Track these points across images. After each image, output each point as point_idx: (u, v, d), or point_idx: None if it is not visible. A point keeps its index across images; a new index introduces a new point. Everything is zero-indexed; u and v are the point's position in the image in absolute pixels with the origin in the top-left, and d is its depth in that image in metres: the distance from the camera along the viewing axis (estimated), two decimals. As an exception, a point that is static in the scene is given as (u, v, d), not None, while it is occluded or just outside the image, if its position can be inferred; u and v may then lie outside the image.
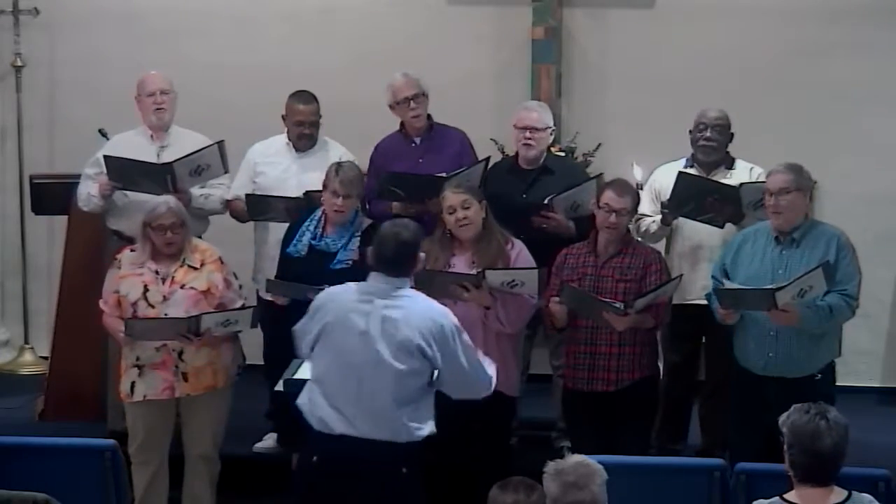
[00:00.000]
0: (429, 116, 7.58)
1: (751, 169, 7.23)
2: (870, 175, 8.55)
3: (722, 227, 7.00)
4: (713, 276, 6.60)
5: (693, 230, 7.14)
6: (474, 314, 6.53)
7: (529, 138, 7.27)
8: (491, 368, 5.77)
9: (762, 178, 7.13)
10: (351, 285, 5.68)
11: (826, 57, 8.57)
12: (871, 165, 8.56)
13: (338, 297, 5.62)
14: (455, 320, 5.61)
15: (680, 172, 7.09)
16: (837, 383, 6.57)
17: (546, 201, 7.08)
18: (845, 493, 4.77)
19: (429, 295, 6.50)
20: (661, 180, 7.20)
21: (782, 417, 4.81)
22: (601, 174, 7.35)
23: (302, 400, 5.61)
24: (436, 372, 5.52)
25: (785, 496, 4.76)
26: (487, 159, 7.31)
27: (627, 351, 6.58)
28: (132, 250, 6.72)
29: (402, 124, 7.59)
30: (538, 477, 4.78)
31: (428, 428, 5.56)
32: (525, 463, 6.11)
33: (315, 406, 5.54)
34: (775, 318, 6.27)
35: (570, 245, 6.79)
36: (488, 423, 6.59)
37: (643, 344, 6.62)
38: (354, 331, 5.49)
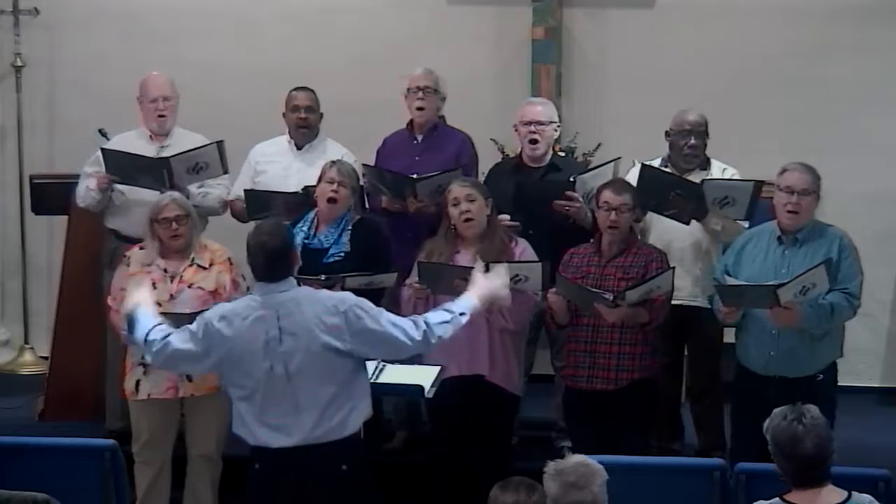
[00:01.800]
0: (442, 119, 7.59)
1: (723, 170, 7.22)
2: (869, 175, 8.55)
3: (688, 223, 6.99)
4: (715, 278, 6.60)
5: (663, 231, 7.13)
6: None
7: (535, 132, 7.26)
8: (431, 321, 5.51)
9: (735, 178, 7.15)
10: (239, 302, 5.55)
11: (826, 57, 8.57)
12: (871, 165, 8.56)
13: (232, 321, 5.45)
14: (355, 299, 5.46)
15: (643, 165, 7.09)
16: (838, 383, 6.57)
17: (571, 178, 7.07)
18: (845, 493, 4.78)
19: (433, 290, 6.53)
20: (634, 180, 7.18)
21: (765, 424, 4.83)
22: (619, 158, 7.33)
23: (236, 427, 5.54)
24: (360, 353, 5.43)
25: (784, 496, 4.78)
26: (460, 169, 7.28)
27: (627, 351, 6.58)
28: (141, 248, 6.72)
29: (410, 121, 7.59)
30: (538, 477, 4.78)
31: (363, 414, 5.48)
32: (525, 463, 6.12)
33: (248, 428, 5.48)
34: (776, 316, 6.26)
35: (576, 245, 6.80)
36: (490, 422, 6.60)
37: (643, 344, 6.62)
38: (258, 347, 5.39)
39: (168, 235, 6.61)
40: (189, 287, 6.59)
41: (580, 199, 7.05)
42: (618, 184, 6.74)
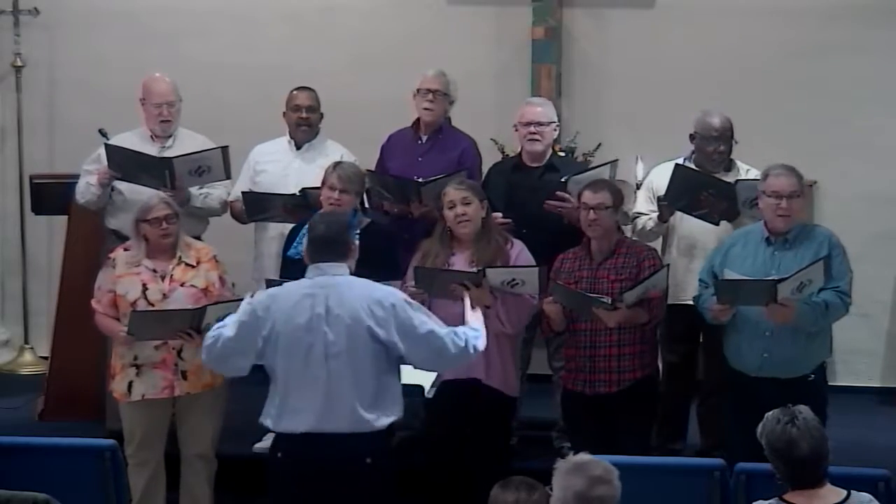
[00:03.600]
0: (448, 120, 7.59)
1: (747, 171, 7.22)
2: (870, 175, 8.55)
3: (717, 223, 7.00)
4: (701, 280, 6.60)
5: (689, 229, 7.14)
6: (474, 313, 6.55)
7: (535, 133, 7.26)
8: (469, 333, 5.62)
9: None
10: (289, 283, 5.63)
11: (826, 57, 8.57)
12: (871, 165, 8.56)
13: (279, 298, 5.54)
14: (403, 294, 5.55)
15: (677, 165, 7.09)
16: (838, 383, 6.59)
17: (563, 179, 7.07)
18: (844, 492, 4.79)
19: (429, 293, 6.53)
20: (658, 180, 7.19)
21: (759, 429, 4.83)
22: (616, 159, 7.34)
23: (265, 417, 5.56)
24: (398, 350, 5.46)
25: (784, 497, 4.78)
26: (464, 171, 7.28)
27: (627, 351, 6.58)
28: (126, 249, 6.71)
29: (416, 121, 7.59)
30: (538, 477, 4.77)
31: (393, 415, 5.51)
32: (525, 463, 6.12)
33: (275, 412, 5.50)
34: (772, 313, 6.26)
35: (570, 244, 6.80)
36: (488, 423, 6.59)
37: (643, 343, 6.62)
38: (302, 327, 5.44)
39: (158, 235, 6.59)
40: (181, 286, 6.58)
41: (572, 199, 7.03)
42: (596, 183, 6.75)
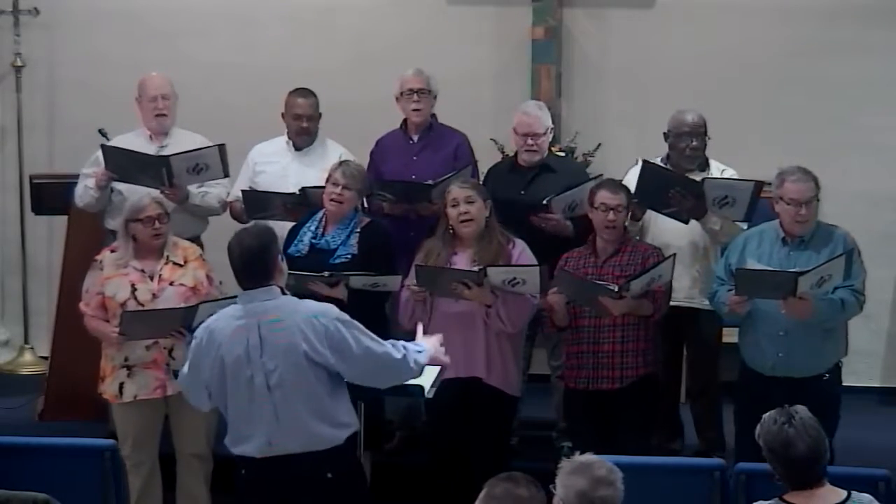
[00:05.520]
0: (434, 117, 7.59)
1: (722, 171, 7.22)
2: (870, 175, 8.55)
3: (686, 222, 6.98)
4: (718, 276, 6.59)
5: (661, 231, 7.12)
6: (475, 312, 6.54)
7: (532, 145, 7.26)
8: (409, 346, 5.49)
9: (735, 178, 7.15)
10: (223, 312, 5.45)
11: (826, 57, 8.57)
12: (871, 165, 8.56)
13: (216, 331, 5.38)
14: (337, 313, 5.35)
15: (644, 162, 7.07)
16: (841, 382, 6.57)
17: (545, 202, 7.08)
18: (844, 493, 4.79)
19: (430, 292, 6.53)
20: (634, 181, 7.18)
21: (756, 430, 4.83)
22: (601, 175, 7.34)
23: (228, 440, 5.47)
24: (336, 368, 5.33)
25: (784, 497, 4.78)
26: (469, 167, 7.27)
27: (631, 348, 6.59)
28: (112, 251, 6.69)
29: (403, 122, 7.60)
30: (538, 477, 4.75)
31: (350, 427, 5.40)
32: (525, 463, 6.11)
33: (232, 440, 5.42)
34: (790, 307, 6.24)
35: (570, 249, 6.80)
36: (489, 422, 6.59)
37: (646, 340, 6.63)
38: (241, 359, 5.30)
39: (150, 234, 6.58)
40: (171, 285, 6.58)
41: (555, 217, 7.03)
42: (613, 184, 6.76)
